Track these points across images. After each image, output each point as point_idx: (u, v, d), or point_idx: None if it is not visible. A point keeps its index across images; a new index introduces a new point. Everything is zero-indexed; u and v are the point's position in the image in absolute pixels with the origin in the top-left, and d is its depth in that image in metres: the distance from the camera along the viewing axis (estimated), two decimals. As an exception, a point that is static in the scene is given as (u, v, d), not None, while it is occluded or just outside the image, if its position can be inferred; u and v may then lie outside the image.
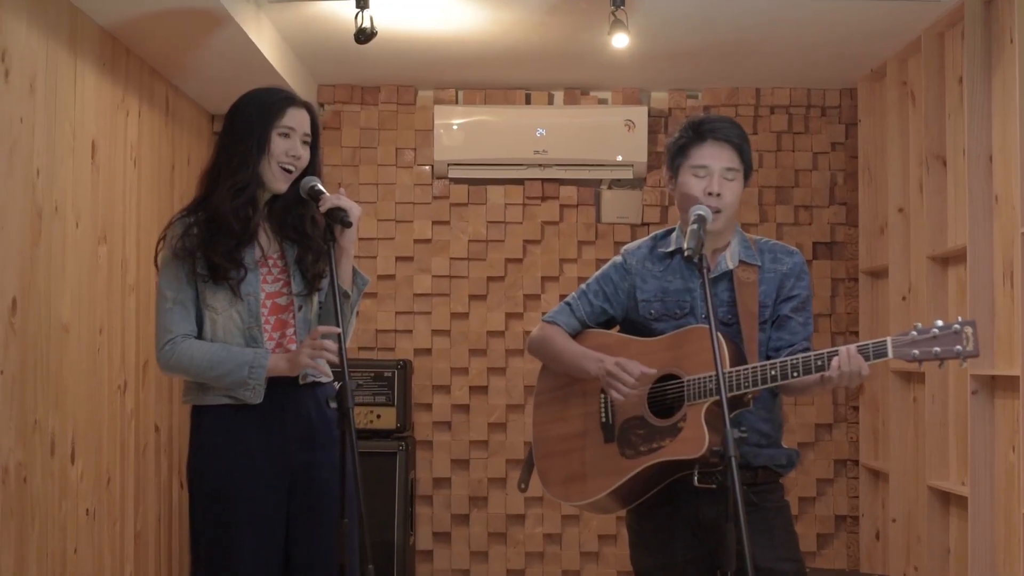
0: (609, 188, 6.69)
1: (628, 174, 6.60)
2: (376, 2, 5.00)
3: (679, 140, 3.63)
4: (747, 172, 3.61)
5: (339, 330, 3.39)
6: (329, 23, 5.39)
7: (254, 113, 3.60)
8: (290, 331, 3.63)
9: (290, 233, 3.65)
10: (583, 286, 3.77)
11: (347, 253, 3.58)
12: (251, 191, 3.57)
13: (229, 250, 3.52)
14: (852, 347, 3.29)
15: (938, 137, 5.35)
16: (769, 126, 6.65)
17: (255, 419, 3.56)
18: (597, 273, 3.76)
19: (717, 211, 3.50)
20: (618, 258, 3.74)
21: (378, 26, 5.06)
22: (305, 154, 3.62)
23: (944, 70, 5.33)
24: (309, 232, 3.63)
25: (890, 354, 3.26)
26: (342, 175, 6.61)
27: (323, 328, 3.48)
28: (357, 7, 4.94)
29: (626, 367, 3.46)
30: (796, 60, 6.12)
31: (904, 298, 5.80)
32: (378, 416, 6.14)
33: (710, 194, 3.52)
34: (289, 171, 3.59)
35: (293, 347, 3.61)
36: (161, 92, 5.61)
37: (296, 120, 3.61)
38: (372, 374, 6.17)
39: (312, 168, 3.65)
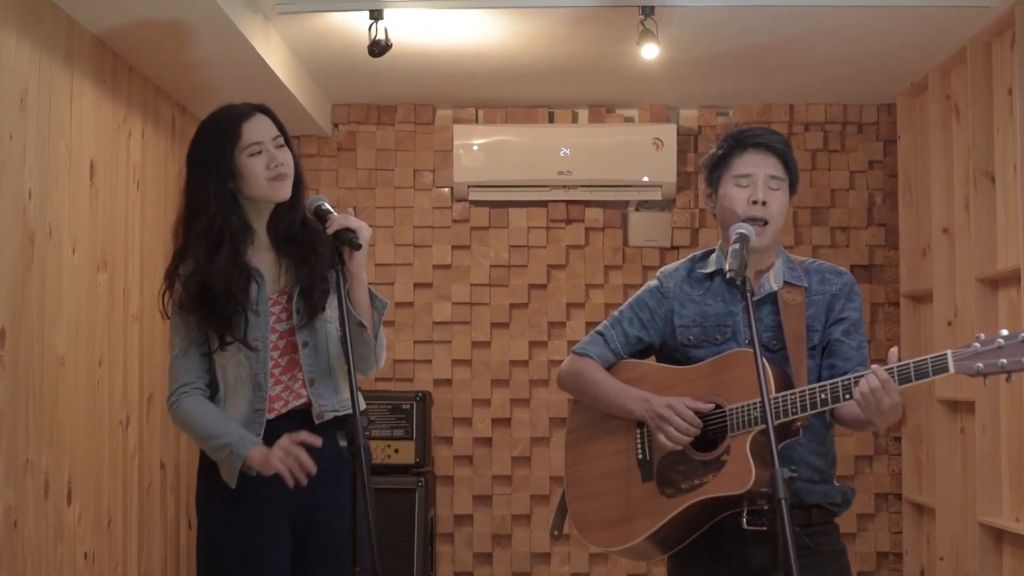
0: (637, 210, 6.47)
1: (656, 195, 6.38)
2: (391, 15, 4.83)
3: (718, 151, 3.40)
4: (793, 184, 3.36)
5: (318, 441, 3.25)
6: (342, 37, 5.17)
7: (206, 148, 3.38)
8: (300, 373, 3.40)
9: (295, 258, 3.40)
10: (616, 314, 3.52)
11: (358, 279, 3.33)
12: (231, 234, 3.33)
13: (226, 316, 3.31)
14: (878, 368, 2.99)
15: (986, 152, 5.09)
16: (804, 144, 6.41)
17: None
18: (631, 299, 3.52)
19: (764, 223, 3.26)
20: (653, 282, 3.50)
21: (394, 41, 4.91)
22: (285, 156, 3.38)
23: (992, 81, 5.08)
24: (315, 258, 3.39)
25: (951, 368, 2.94)
26: (358, 198, 6.43)
27: (305, 434, 3.27)
28: (371, 18, 4.77)
29: (679, 410, 3.20)
30: (831, 75, 5.91)
31: (950, 323, 5.53)
32: (396, 450, 5.94)
33: (755, 202, 3.27)
34: (281, 176, 3.35)
35: (298, 386, 3.39)
36: (167, 112, 5.37)
37: (258, 132, 3.36)
38: (389, 406, 5.98)
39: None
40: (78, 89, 4.35)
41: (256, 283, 3.35)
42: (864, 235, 6.43)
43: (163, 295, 3.41)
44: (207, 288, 3.30)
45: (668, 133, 6.32)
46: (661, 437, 3.22)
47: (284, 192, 3.38)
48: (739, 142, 3.35)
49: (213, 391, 3.41)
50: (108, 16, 4.33)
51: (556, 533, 3.63)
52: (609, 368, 3.45)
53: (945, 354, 2.95)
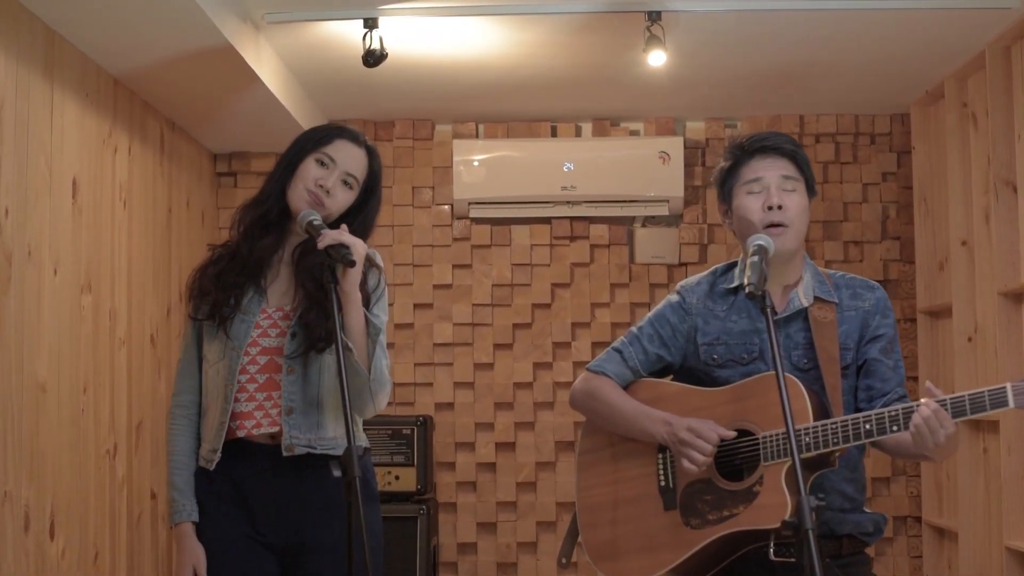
0: (643, 226, 6.32)
1: (663, 210, 6.22)
2: (386, 24, 4.68)
3: (725, 163, 3.23)
4: (809, 185, 3.18)
5: None
6: (335, 48, 5.00)
7: (297, 142, 3.27)
8: (277, 394, 3.19)
9: (309, 285, 3.21)
10: (634, 330, 3.31)
11: (351, 298, 3.12)
12: (278, 225, 3.24)
13: (228, 281, 3.21)
14: (929, 400, 2.80)
15: (1007, 161, 4.92)
16: (815, 156, 6.24)
17: (223, 483, 3.19)
18: (650, 314, 3.31)
19: (782, 226, 3.07)
20: (674, 296, 3.28)
21: (390, 52, 4.77)
22: (340, 195, 3.21)
23: (1012, 87, 4.91)
24: (323, 285, 3.17)
25: (1011, 403, 2.74)
26: (355, 217, 6.20)
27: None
28: (365, 27, 4.62)
29: (702, 433, 3.00)
30: (842, 84, 5.76)
31: (970, 339, 5.35)
32: (396, 477, 5.75)
33: (770, 208, 3.08)
34: (317, 198, 3.18)
35: (276, 412, 3.17)
36: (155, 128, 5.18)
37: (341, 153, 3.21)
38: (389, 432, 5.80)
39: (361, 220, 3.28)
40: (59, 103, 4.17)
41: (254, 290, 3.22)
42: (878, 249, 6.27)
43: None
44: (229, 262, 3.23)
45: (675, 146, 6.17)
46: (684, 462, 3.03)
47: (303, 206, 3.18)
48: (744, 150, 3.19)
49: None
50: (91, 28, 4.16)
51: (564, 561, 3.43)
52: (626, 387, 3.25)
53: (1004, 387, 2.76)
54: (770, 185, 3.11)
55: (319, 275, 3.14)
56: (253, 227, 3.24)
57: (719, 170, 3.25)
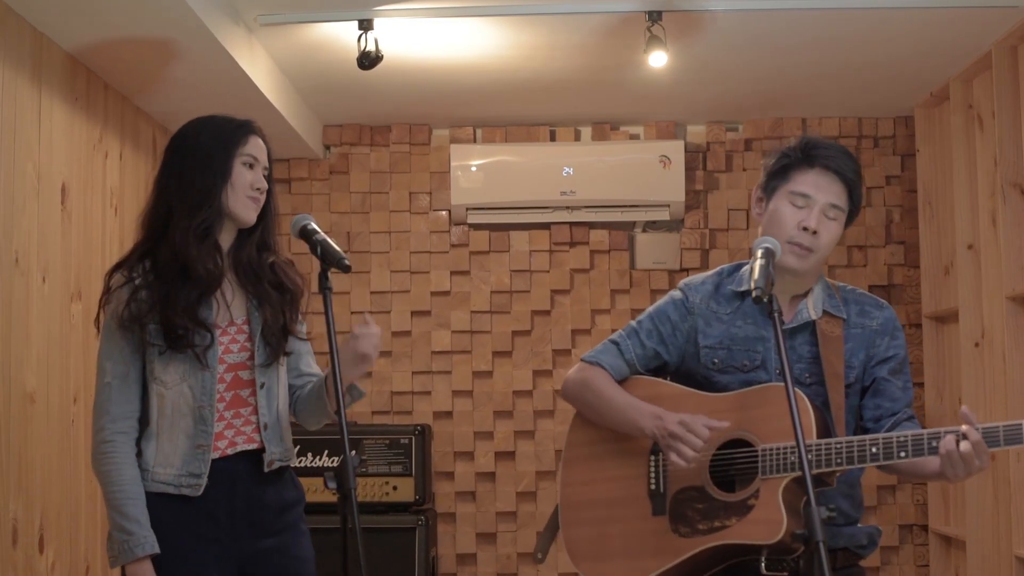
0: (644, 231, 6.25)
1: (664, 215, 6.14)
2: (381, 26, 4.61)
3: (782, 159, 3.10)
4: (851, 216, 3.09)
5: None
6: (330, 51, 4.92)
7: (211, 140, 3.16)
8: (247, 411, 3.14)
9: (253, 287, 3.18)
10: (633, 323, 3.22)
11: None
12: (216, 232, 3.15)
13: (190, 306, 3.05)
14: (972, 430, 2.70)
15: (1014, 163, 4.85)
16: (817, 159, 6.12)
17: (200, 506, 3.09)
18: (650, 309, 3.23)
19: (808, 251, 2.99)
20: (677, 293, 3.20)
21: (386, 55, 4.71)
22: (265, 189, 3.22)
23: (1019, 88, 4.83)
24: (274, 285, 3.20)
25: None
26: (351, 223, 6.20)
27: None
28: (360, 29, 4.55)
29: (693, 428, 2.91)
30: (845, 86, 5.69)
31: (977, 344, 5.27)
32: (394, 487, 5.66)
33: (805, 229, 2.99)
34: (256, 200, 3.18)
35: (249, 429, 3.13)
36: (147, 132, 5.11)
37: (257, 149, 3.21)
38: (387, 441, 5.71)
39: (268, 208, 3.24)
40: (47, 107, 4.09)
41: (209, 308, 3.12)
42: (882, 254, 6.19)
43: (100, 305, 3.12)
44: (172, 284, 3.06)
45: (675, 150, 6.09)
46: (673, 456, 2.93)
47: (250, 216, 3.18)
48: (807, 156, 3.06)
49: (143, 426, 3.10)
50: (80, 31, 4.10)
51: (540, 556, 3.36)
52: (623, 383, 3.17)
53: (1020, 424, 2.68)
54: (815, 207, 3.01)
55: (256, 266, 3.18)
56: (201, 240, 3.11)
57: (773, 162, 3.12)
